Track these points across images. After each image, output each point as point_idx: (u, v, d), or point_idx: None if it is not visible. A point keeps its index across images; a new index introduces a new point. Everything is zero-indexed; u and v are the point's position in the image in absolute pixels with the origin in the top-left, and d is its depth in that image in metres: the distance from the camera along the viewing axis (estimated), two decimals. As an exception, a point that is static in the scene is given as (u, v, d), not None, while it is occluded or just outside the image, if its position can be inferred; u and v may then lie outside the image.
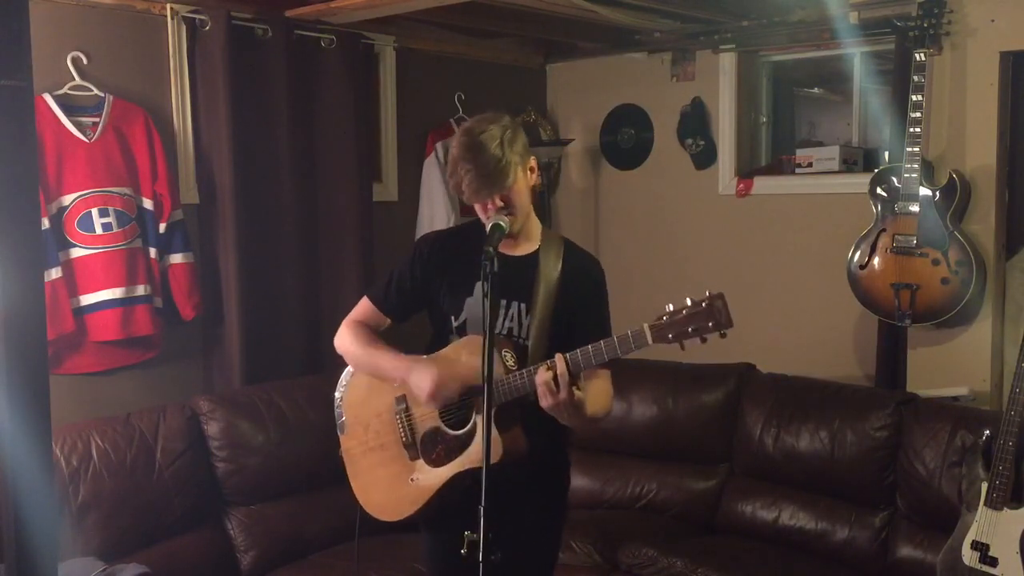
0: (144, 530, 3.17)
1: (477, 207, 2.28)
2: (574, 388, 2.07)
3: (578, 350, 2.09)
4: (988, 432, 2.98)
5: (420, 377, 2.27)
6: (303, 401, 3.65)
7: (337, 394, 2.54)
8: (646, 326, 2.03)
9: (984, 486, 2.90)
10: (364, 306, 2.48)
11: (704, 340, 1.99)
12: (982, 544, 2.87)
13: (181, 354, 3.71)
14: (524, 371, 2.16)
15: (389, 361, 2.36)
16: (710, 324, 1.97)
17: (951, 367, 3.65)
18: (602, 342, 2.07)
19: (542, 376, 2.07)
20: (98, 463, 3.10)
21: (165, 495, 3.23)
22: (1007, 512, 2.85)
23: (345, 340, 2.44)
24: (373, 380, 2.46)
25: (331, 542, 3.49)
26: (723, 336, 1.99)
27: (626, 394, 4.04)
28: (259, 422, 3.50)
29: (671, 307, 2.02)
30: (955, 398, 3.59)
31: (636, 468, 4.02)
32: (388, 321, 2.47)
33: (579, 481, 4.05)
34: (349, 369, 2.53)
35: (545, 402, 2.08)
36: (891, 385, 3.81)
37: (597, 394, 2.24)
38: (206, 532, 3.36)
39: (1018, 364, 2.89)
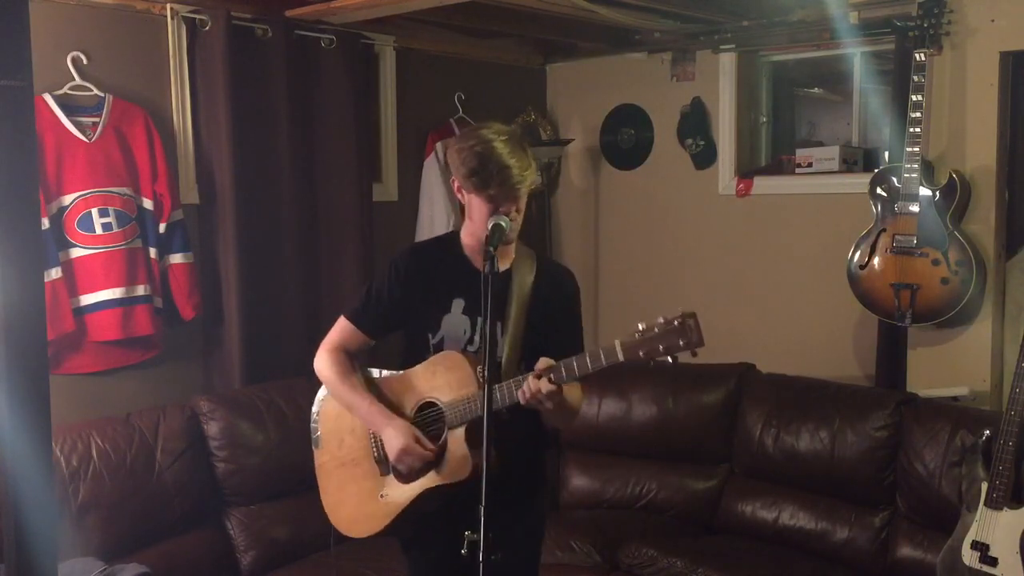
0: (144, 530, 3.17)
1: (484, 209, 2.22)
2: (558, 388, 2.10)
3: (562, 364, 2.08)
4: (988, 432, 2.98)
5: (392, 439, 2.27)
6: (303, 401, 3.62)
7: (314, 409, 2.53)
8: (618, 343, 2.02)
9: (984, 486, 2.90)
10: (342, 326, 2.43)
11: (675, 360, 1.98)
12: (982, 544, 2.87)
13: (181, 354, 3.71)
14: (505, 384, 2.16)
15: (365, 408, 2.34)
16: (681, 343, 1.95)
17: (951, 367, 3.65)
18: (574, 359, 2.07)
19: (532, 385, 2.08)
20: (98, 463, 3.10)
21: (165, 495, 3.23)
22: (1007, 512, 2.85)
23: (323, 367, 2.40)
24: None
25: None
26: (694, 355, 1.97)
27: (626, 394, 4.04)
28: (259, 422, 3.50)
29: (643, 325, 2.00)
30: (955, 398, 3.59)
31: (636, 468, 4.02)
32: (368, 340, 2.43)
33: (579, 481, 4.06)
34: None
35: (539, 407, 2.11)
36: (891, 385, 3.81)
37: (574, 394, 2.28)
38: (206, 532, 3.36)
39: (1018, 364, 2.89)
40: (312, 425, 2.53)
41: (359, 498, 2.41)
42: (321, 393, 2.52)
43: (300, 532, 3.49)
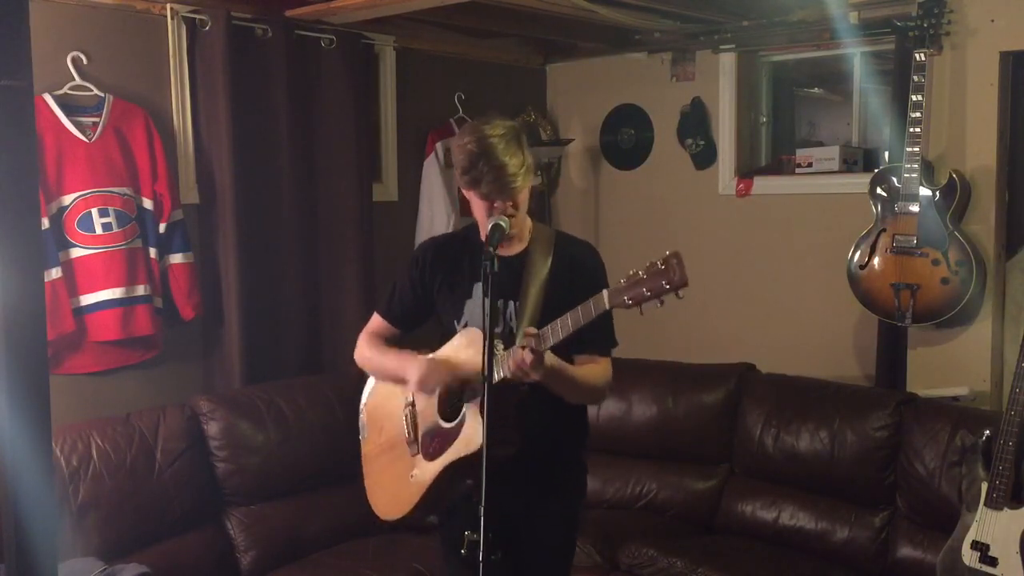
0: (144, 530, 3.17)
1: (481, 206, 2.27)
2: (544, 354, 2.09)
3: (547, 327, 2.09)
4: (988, 432, 2.98)
5: (411, 369, 2.33)
6: (303, 401, 3.65)
7: (361, 400, 2.64)
8: (604, 292, 2.03)
9: (984, 486, 2.90)
10: (376, 321, 2.55)
11: (661, 302, 1.96)
12: (982, 544, 2.87)
13: (181, 354, 3.70)
14: (506, 352, 2.17)
15: (393, 360, 2.44)
16: (664, 283, 1.93)
17: (951, 367, 3.66)
18: (567, 314, 2.07)
19: (516, 356, 2.09)
20: (98, 463, 3.10)
21: (165, 495, 3.23)
22: (1007, 512, 2.85)
23: (360, 350, 2.53)
24: (390, 386, 2.51)
25: (331, 542, 3.50)
26: (679, 297, 1.94)
27: (626, 394, 4.04)
28: (259, 422, 3.50)
29: (631, 271, 2.00)
30: (955, 398, 3.59)
31: (636, 468, 4.02)
32: (398, 332, 2.53)
33: (579, 481, 4.06)
34: (372, 378, 2.61)
35: (525, 379, 2.11)
36: (891, 385, 3.81)
37: (587, 367, 2.29)
38: (206, 532, 3.36)
39: (1018, 364, 2.89)
40: (360, 418, 2.62)
41: (394, 482, 2.46)
42: (368, 385, 2.61)
43: (300, 532, 3.50)
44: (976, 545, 2.88)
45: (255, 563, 3.38)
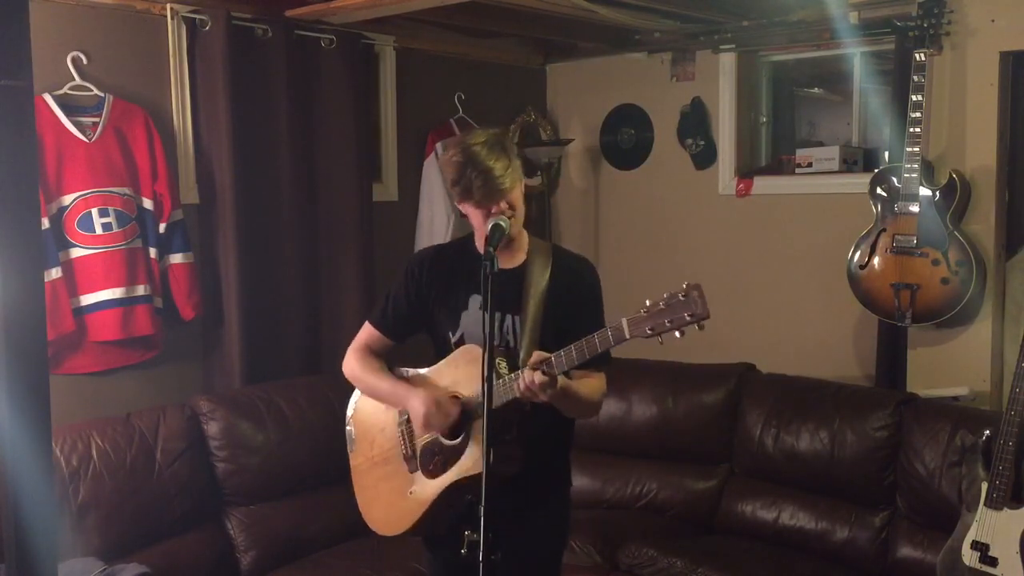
0: (144, 530, 3.17)
1: (479, 213, 2.26)
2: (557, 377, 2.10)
3: (561, 351, 2.10)
4: (988, 432, 2.98)
5: (414, 404, 2.31)
6: (303, 401, 3.65)
7: (348, 412, 2.59)
8: (624, 320, 2.03)
9: (984, 486, 2.90)
10: (367, 331, 2.51)
11: (682, 333, 1.97)
12: (982, 544, 2.87)
13: (181, 354, 3.70)
14: (513, 375, 2.18)
15: (388, 389, 2.41)
16: (687, 316, 1.94)
17: (951, 367, 3.66)
18: (583, 340, 2.07)
19: (527, 378, 2.09)
20: (98, 463, 3.10)
21: (165, 495, 3.23)
22: (1007, 512, 2.85)
23: (351, 367, 2.49)
24: None
25: (331, 542, 3.50)
26: (700, 328, 1.95)
27: (626, 394, 4.04)
28: (259, 422, 3.50)
29: (648, 301, 2.00)
30: (955, 398, 3.59)
31: (636, 468, 4.02)
32: (391, 343, 2.50)
33: (579, 481, 4.02)
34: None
35: (535, 399, 2.12)
36: (891, 385, 3.81)
37: (587, 383, 2.29)
38: (206, 532, 3.36)
39: (1018, 364, 2.89)
40: (347, 428, 2.58)
41: (390, 497, 2.44)
42: (354, 397, 2.57)
43: (300, 532, 3.50)
44: (976, 545, 2.88)
45: (255, 563, 3.38)
